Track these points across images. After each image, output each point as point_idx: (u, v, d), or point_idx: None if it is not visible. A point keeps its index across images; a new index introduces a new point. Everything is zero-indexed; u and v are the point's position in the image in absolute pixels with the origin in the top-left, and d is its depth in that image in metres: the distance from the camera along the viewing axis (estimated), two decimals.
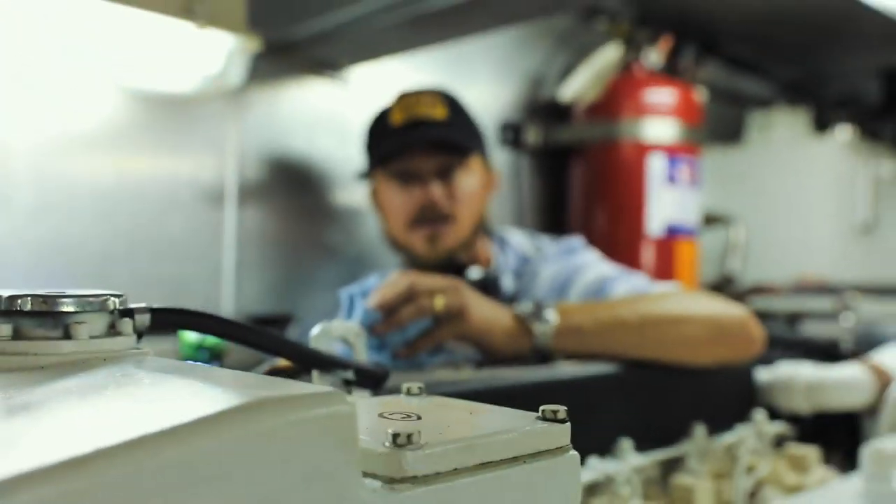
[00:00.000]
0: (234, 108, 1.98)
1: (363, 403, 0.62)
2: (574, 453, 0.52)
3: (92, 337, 0.58)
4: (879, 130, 3.67)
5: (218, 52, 1.56)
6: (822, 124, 3.33)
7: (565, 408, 0.53)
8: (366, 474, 0.43)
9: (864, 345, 1.74)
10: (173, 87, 1.71)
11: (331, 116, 2.17)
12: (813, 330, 2.02)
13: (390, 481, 0.43)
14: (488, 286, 1.55)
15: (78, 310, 0.58)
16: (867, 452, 1.06)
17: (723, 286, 2.83)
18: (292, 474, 0.38)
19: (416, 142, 1.60)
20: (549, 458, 0.50)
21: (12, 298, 0.58)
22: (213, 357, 1.42)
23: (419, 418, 0.52)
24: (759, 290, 2.60)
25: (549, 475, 0.50)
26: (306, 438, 0.39)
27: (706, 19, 2.87)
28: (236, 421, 0.37)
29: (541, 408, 0.53)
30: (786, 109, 3.21)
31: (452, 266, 1.56)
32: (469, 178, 1.63)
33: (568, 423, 0.53)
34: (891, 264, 3.12)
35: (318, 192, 2.18)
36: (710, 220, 2.91)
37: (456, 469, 0.45)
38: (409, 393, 0.63)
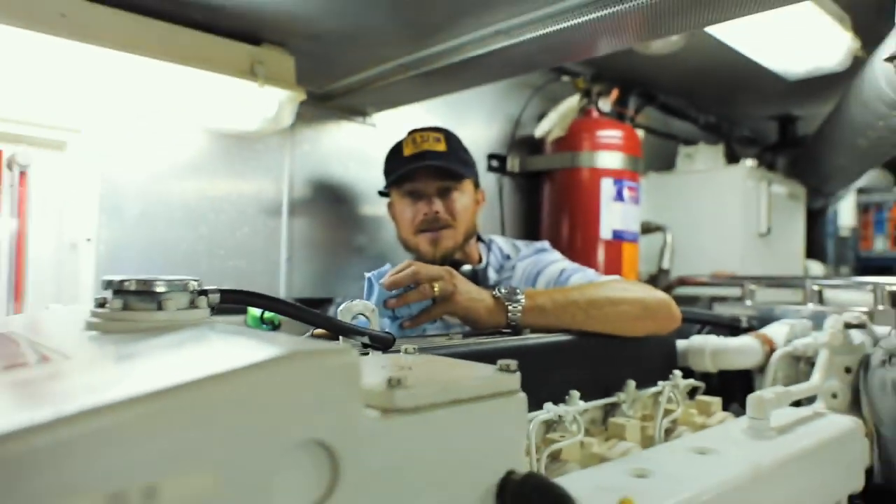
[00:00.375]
0: (287, 144, 1.98)
1: (373, 359, 0.65)
2: (522, 395, 0.54)
3: (178, 309, 0.61)
4: (774, 161, 3.67)
5: (273, 101, 1.56)
6: (733, 157, 3.32)
7: (516, 362, 0.55)
8: (369, 406, 0.46)
9: (760, 322, 1.73)
10: (240, 127, 1.71)
11: (359, 149, 2.17)
12: (723, 311, 2.02)
13: (385, 411, 0.45)
14: (476, 277, 1.57)
15: (167, 290, 0.61)
16: (750, 399, 1.07)
17: (657, 277, 2.82)
18: (315, 403, 0.41)
19: (421, 168, 1.60)
20: (503, 398, 0.52)
21: (121, 282, 0.60)
22: (272, 328, 1.44)
23: (410, 369, 0.54)
24: (683, 281, 2.60)
25: (503, 410, 0.52)
26: (324, 379, 0.41)
27: (647, 76, 2.86)
28: (276, 365, 0.40)
29: (498, 362, 0.56)
30: (706, 145, 3.19)
31: (450, 262, 1.57)
32: (462, 197, 1.63)
33: (518, 374, 0.54)
34: (782, 262, 3.11)
35: (350, 205, 2.18)
36: (649, 228, 2.89)
37: (433, 403, 0.47)
38: (406, 352, 0.66)
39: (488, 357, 1.01)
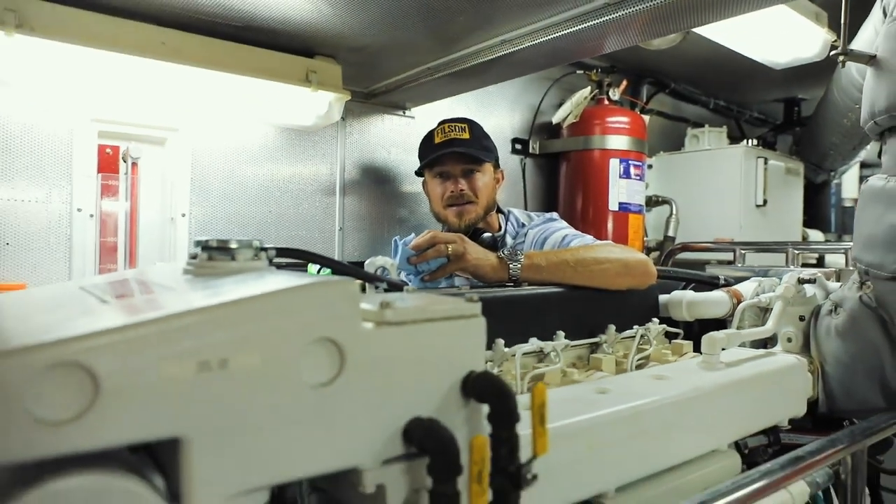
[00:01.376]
0: (339, 135, 2.10)
1: (382, 294, 0.79)
2: (481, 318, 0.66)
3: (245, 260, 0.76)
4: (775, 140, 3.61)
5: (324, 102, 1.67)
6: (736, 137, 3.29)
7: (479, 296, 0.68)
8: (368, 320, 0.60)
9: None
10: (299, 123, 1.83)
11: (400, 137, 2.26)
12: (718, 272, 2.05)
13: (378, 324, 0.59)
14: (495, 242, 1.68)
15: (238, 246, 0.75)
16: (704, 338, 1.14)
17: (664, 244, 2.86)
18: (327, 314, 0.55)
19: (448, 153, 1.69)
20: (466, 319, 0.64)
21: (207, 241, 0.75)
22: None
23: (403, 300, 0.68)
24: (685, 247, 2.63)
25: (467, 328, 0.65)
26: (333, 299, 0.56)
27: (659, 67, 2.86)
28: (300, 290, 0.55)
29: (465, 295, 0.69)
30: (711, 127, 3.18)
31: (473, 231, 1.67)
32: (483, 177, 1.72)
33: (479, 303, 0.67)
34: (780, 231, 3.10)
35: (392, 185, 2.27)
36: (657, 201, 2.93)
37: (413, 320, 0.60)
38: (408, 291, 0.80)
39: (491, 305, 1.13)
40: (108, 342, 0.44)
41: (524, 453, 0.62)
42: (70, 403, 0.43)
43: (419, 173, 1.84)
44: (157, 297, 0.64)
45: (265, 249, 0.80)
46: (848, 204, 4.30)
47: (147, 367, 0.46)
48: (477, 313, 0.67)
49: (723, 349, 1.17)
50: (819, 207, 3.84)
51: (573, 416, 0.82)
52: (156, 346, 0.46)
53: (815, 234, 3.58)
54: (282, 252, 0.82)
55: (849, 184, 4.22)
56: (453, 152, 1.69)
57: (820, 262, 3.19)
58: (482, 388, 0.63)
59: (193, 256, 0.78)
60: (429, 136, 1.79)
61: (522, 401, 0.64)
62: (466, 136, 1.72)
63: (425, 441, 0.58)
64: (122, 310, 0.57)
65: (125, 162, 1.58)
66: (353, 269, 0.89)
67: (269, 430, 0.51)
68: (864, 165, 4.38)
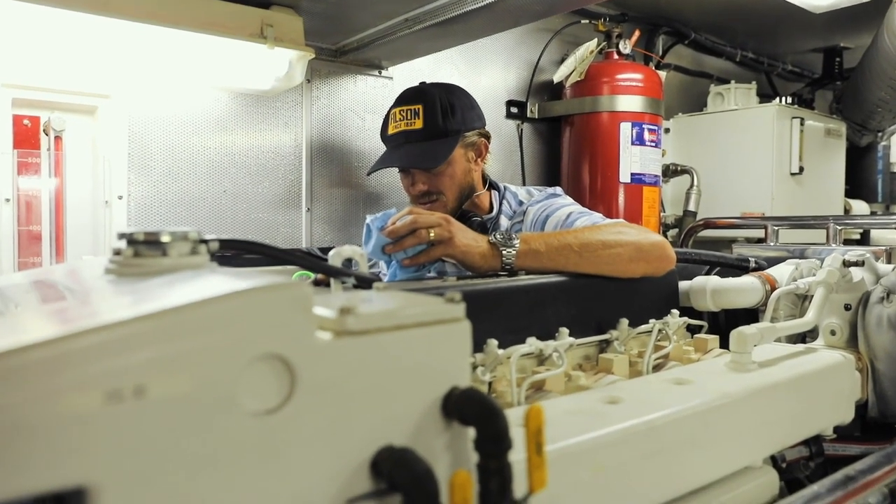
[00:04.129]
0: (304, 99, 2.06)
1: (343, 293, 0.76)
2: (466, 323, 0.63)
3: (180, 256, 0.72)
4: (812, 97, 3.58)
5: (283, 61, 1.62)
6: (767, 95, 3.26)
7: (461, 294, 0.65)
8: (325, 329, 0.56)
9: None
10: (254, 87, 1.79)
11: (376, 101, 2.23)
12: (747, 252, 2.03)
13: (338, 334, 0.55)
14: (485, 227, 1.62)
15: (170, 240, 0.71)
16: (732, 334, 1.12)
17: (683, 220, 2.85)
18: (272, 325, 0.51)
19: (396, 164, 1.67)
20: (447, 325, 0.61)
21: (132, 233, 0.71)
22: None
23: (370, 301, 0.65)
24: (708, 224, 2.61)
25: (447, 335, 0.61)
26: (279, 306, 0.52)
27: (677, 14, 2.83)
28: (237, 296, 0.51)
29: (445, 294, 0.65)
30: (738, 83, 3.14)
31: (459, 214, 1.61)
32: (448, 169, 1.65)
33: (462, 304, 0.64)
34: (819, 202, 3.08)
35: (367, 156, 2.24)
36: (675, 171, 2.91)
37: (379, 328, 0.57)
38: (377, 289, 0.76)
39: (480, 298, 1.11)
40: None
41: (519, 485, 0.59)
42: None
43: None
44: (65, 306, 0.60)
45: (206, 242, 0.77)
46: None
47: (40, 402, 0.42)
48: (460, 317, 0.64)
49: (755, 346, 1.14)
50: (864, 174, 3.84)
51: (578, 433, 0.80)
52: (50, 375, 0.43)
53: (859, 206, 3.58)
54: (226, 244, 0.78)
55: None
56: (399, 161, 1.66)
57: (864, 239, 3.19)
58: (467, 409, 0.61)
59: (118, 252, 0.74)
60: (386, 120, 1.72)
61: (518, 416, 0.62)
62: (419, 123, 1.65)
63: (397, 475, 0.55)
64: (15, 326, 0.53)
65: (47, 135, 1.54)
66: (314, 262, 0.85)
67: (200, 471, 0.48)
68: None
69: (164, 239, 0.72)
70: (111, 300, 0.59)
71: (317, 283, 1.05)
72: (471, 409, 0.60)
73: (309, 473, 0.53)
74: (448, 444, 0.60)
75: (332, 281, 0.88)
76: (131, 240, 0.73)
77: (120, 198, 1.66)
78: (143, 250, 0.72)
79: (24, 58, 1.51)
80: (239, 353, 0.50)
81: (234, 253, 0.81)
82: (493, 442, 0.58)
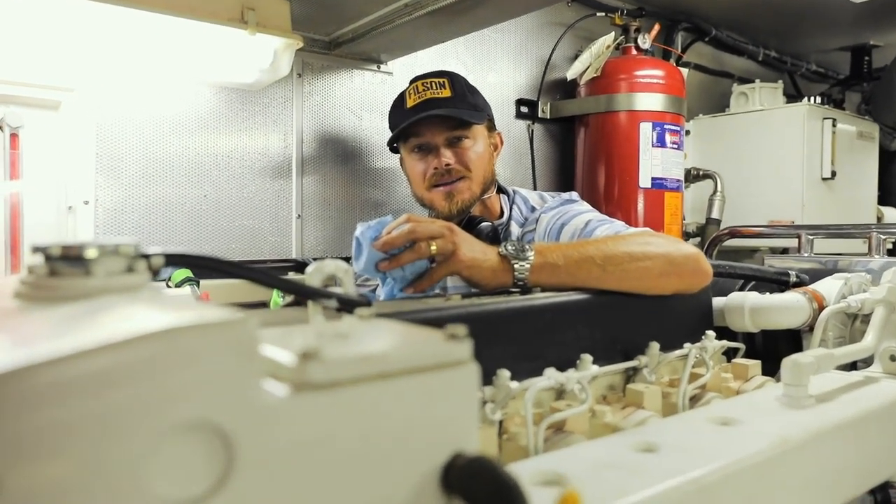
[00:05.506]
0: (295, 96, 1.98)
1: (317, 326, 0.62)
2: (472, 366, 0.50)
3: (109, 275, 0.58)
4: (843, 98, 3.54)
5: (268, 50, 1.54)
6: (795, 94, 3.21)
7: (465, 327, 0.51)
8: (281, 380, 0.43)
9: (818, 276, 1.65)
10: (236, 79, 1.71)
11: (375, 99, 2.16)
12: (777, 264, 1.94)
13: (298, 387, 0.42)
14: (497, 234, 1.54)
15: (97, 255, 0.58)
16: (785, 363, 1.00)
17: (706, 228, 2.78)
18: (198, 380, 0.38)
19: (425, 119, 1.57)
20: (447, 369, 0.48)
21: (48, 246, 0.58)
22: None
23: (346, 337, 0.51)
24: (734, 233, 2.52)
25: (447, 383, 0.48)
26: (209, 353, 0.39)
27: (696, 9, 2.80)
28: (153, 340, 0.38)
29: (446, 328, 0.52)
30: (763, 83, 3.07)
31: (468, 219, 1.54)
32: (474, 144, 1.60)
33: (467, 341, 0.51)
34: (851, 209, 3.01)
35: (364, 159, 2.17)
36: (697, 175, 2.85)
37: (356, 377, 0.44)
38: (361, 317, 0.62)
39: (485, 321, 0.99)
40: None
41: None
42: None
43: (393, 148, 1.72)
44: None
45: (147, 257, 0.63)
46: None
47: None
48: (465, 359, 0.51)
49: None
50: (893, 180, 3.77)
51: (610, 496, 0.66)
52: None
53: (891, 213, 3.51)
54: (172, 260, 0.65)
55: None
56: (432, 116, 1.56)
57: None
58: (474, 484, 0.48)
59: (31, 270, 0.61)
60: (400, 99, 1.67)
61: (534, 469, 0.56)
62: (447, 93, 1.60)
63: None
64: None
65: (2, 132, 1.46)
66: (286, 282, 0.72)
67: None
68: None
69: (89, 254, 0.58)
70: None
71: (295, 301, 0.93)
72: (480, 484, 0.47)
73: None
74: None
75: (309, 303, 0.75)
76: (48, 255, 0.59)
77: (86, 203, 1.58)
78: (60, 268, 0.59)
79: None
80: (151, 421, 0.37)
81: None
82: None
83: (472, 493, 0.47)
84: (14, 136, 1.43)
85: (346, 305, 0.74)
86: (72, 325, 0.45)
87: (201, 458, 0.39)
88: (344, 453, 0.44)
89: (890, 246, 3.17)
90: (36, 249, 0.60)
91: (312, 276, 0.80)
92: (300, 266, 1.90)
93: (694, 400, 1.12)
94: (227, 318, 0.40)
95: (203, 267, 0.69)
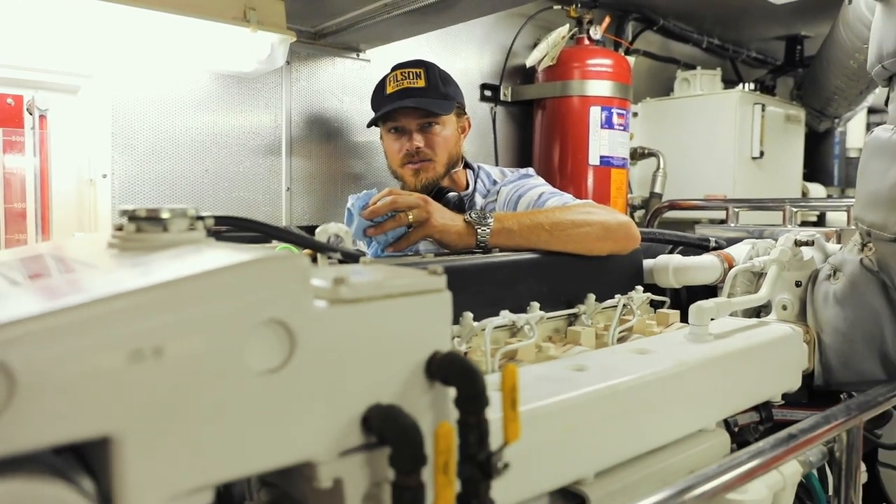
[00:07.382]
0: (284, 81, 2.07)
1: (335, 267, 0.80)
2: (446, 293, 0.67)
3: (179, 231, 0.75)
4: (774, 84, 3.65)
5: (266, 44, 1.64)
6: (732, 81, 3.31)
7: (442, 267, 0.69)
8: (322, 298, 0.60)
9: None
10: (237, 69, 1.80)
11: (354, 83, 2.25)
12: (708, 233, 2.09)
13: (332, 302, 0.59)
14: (462, 203, 1.67)
15: (170, 216, 0.74)
16: (691, 308, 1.17)
17: (650, 201, 2.91)
18: (274, 293, 0.55)
19: (401, 106, 1.69)
20: (429, 295, 0.65)
21: (134, 210, 0.74)
22: None
23: (360, 274, 0.69)
24: (673, 205, 2.68)
25: (429, 304, 0.65)
26: (280, 276, 0.56)
27: (646, 1, 2.85)
28: (240, 267, 0.55)
29: (428, 267, 0.70)
30: (704, 70, 3.21)
31: (437, 189, 1.67)
32: (442, 130, 1.72)
33: (444, 276, 0.68)
34: (779, 185, 3.17)
35: (345, 136, 2.26)
36: (642, 154, 2.97)
37: (370, 297, 0.61)
38: (364, 263, 0.80)
39: (456, 274, 1.14)
40: (23, 333, 0.44)
41: (495, 440, 0.64)
42: None
43: (371, 125, 1.84)
44: (78, 276, 0.63)
45: (202, 218, 0.80)
46: (853, 155, 4.41)
47: (70, 360, 0.46)
48: (442, 287, 0.68)
49: (712, 319, 1.20)
50: (821, 158, 3.94)
51: (548, 396, 0.85)
52: (80, 336, 0.46)
53: (816, 189, 3.68)
54: (221, 221, 0.81)
55: (854, 132, 4.33)
56: (406, 106, 1.69)
57: (821, 221, 3.29)
58: (448, 370, 0.65)
59: (119, 228, 0.78)
60: (381, 85, 1.78)
61: (493, 381, 0.66)
62: (422, 83, 1.72)
63: (386, 429, 0.59)
64: (38, 293, 0.57)
65: (31, 114, 1.54)
66: (303, 238, 0.89)
67: (211, 423, 0.52)
68: (871, 111, 4.48)
69: (165, 215, 0.75)
70: (122, 272, 0.63)
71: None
72: (452, 370, 0.64)
73: (306, 427, 0.57)
74: (431, 403, 0.64)
75: (318, 256, 0.93)
76: (133, 216, 0.76)
77: (104, 176, 1.67)
78: (144, 226, 0.75)
79: (7, 37, 1.50)
80: (245, 318, 0.54)
81: (226, 229, 0.85)
82: (471, 399, 0.62)
83: (446, 376, 0.64)
84: (42, 117, 1.53)
85: (348, 258, 0.93)
86: (181, 261, 0.63)
87: (276, 344, 0.56)
88: (361, 348, 0.61)
89: (815, 218, 3.39)
90: (123, 212, 0.77)
91: (320, 235, 0.98)
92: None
93: (622, 340, 1.27)
94: (292, 254, 0.58)
95: (241, 227, 0.87)
